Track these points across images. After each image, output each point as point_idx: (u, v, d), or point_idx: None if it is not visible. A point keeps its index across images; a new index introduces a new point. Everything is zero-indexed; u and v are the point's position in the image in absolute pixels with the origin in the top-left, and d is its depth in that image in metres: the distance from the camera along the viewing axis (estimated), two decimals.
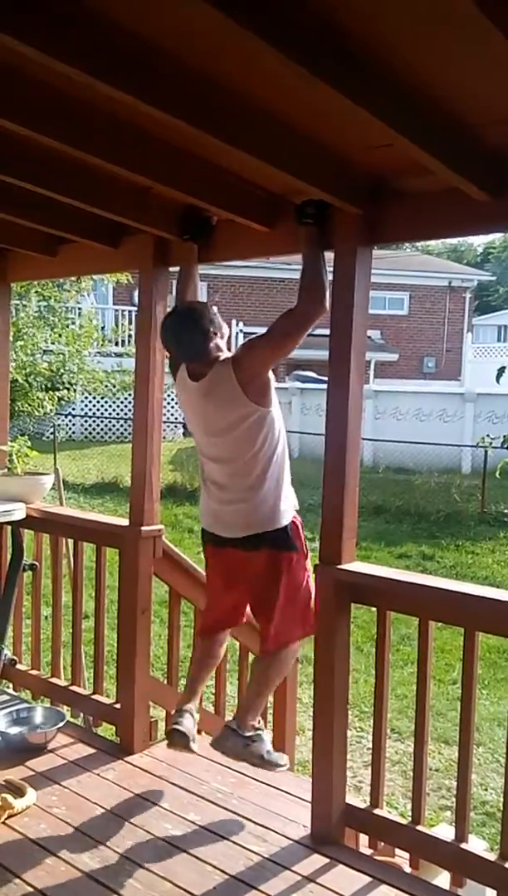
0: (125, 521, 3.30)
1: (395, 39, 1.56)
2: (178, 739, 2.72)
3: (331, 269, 2.55)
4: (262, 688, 2.74)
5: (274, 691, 3.14)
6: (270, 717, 3.98)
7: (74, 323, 10.33)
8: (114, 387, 10.59)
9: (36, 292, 9.50)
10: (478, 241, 49.43)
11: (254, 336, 2.63)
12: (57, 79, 1.74)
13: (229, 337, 2.78)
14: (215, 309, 2.73)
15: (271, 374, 2.61)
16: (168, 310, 2.85)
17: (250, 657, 3.83)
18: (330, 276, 2.55)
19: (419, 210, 2.42)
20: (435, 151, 1.91)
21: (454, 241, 43.78)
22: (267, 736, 2.75)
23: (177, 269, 3.05)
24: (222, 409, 2.59)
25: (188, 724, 2.74)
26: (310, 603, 2.67)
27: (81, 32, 1.57)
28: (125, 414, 16.31)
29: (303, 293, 2.51)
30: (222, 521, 2.70)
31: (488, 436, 10.92)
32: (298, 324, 2.52)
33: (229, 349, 2.70)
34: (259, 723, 2.75)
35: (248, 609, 2.87)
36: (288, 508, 2.66)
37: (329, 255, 2.57)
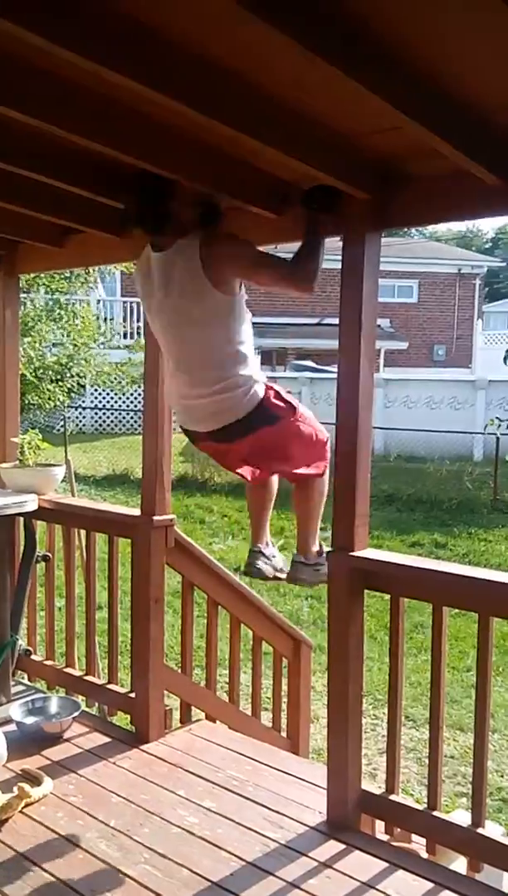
0: (137, 512, 3.31)
1: (404, 22, 1.54)
2: (256, 577, 2.94)
3: (340, 256, 2.53)
4: (310, 518, 2.82)
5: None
6: (283, 706, 4.00)
7: (77, 317, 10.30)
8: (122, 380, 10.57)
9: (43, 284, 9.48)
10: (487, 228, 49.20)
11: (239, 242, 2.51)
12: (63, 68, 1.73)
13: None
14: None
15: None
16: None
17: (264, 646, 3.85)
18: (338, 265, 2.52)
19: (428, 194, 2.39)
20: (446, 135, 1.89)
21: (462, 227, 43.66)
22: None
23: None
24: (183, 294, 2.48)
25: (261, 564, 2.90)
26: (315, 436, 2.67)
27: (89, 20, 1.55)
28: (135, 406, 16.32)
29: (298, 270, 2.46)
30: (194, 416, 2.64)
31: (497, 418, 10.89)
32: (275, 280, 2.49)
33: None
34: (321, 547, 2.85)
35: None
36: (256, 387, 2.55)
37: (334, 244, 2.54)
